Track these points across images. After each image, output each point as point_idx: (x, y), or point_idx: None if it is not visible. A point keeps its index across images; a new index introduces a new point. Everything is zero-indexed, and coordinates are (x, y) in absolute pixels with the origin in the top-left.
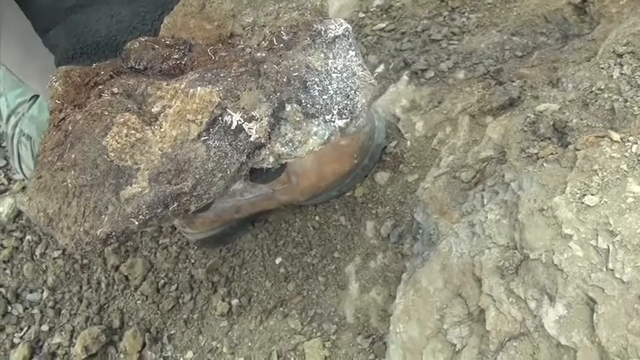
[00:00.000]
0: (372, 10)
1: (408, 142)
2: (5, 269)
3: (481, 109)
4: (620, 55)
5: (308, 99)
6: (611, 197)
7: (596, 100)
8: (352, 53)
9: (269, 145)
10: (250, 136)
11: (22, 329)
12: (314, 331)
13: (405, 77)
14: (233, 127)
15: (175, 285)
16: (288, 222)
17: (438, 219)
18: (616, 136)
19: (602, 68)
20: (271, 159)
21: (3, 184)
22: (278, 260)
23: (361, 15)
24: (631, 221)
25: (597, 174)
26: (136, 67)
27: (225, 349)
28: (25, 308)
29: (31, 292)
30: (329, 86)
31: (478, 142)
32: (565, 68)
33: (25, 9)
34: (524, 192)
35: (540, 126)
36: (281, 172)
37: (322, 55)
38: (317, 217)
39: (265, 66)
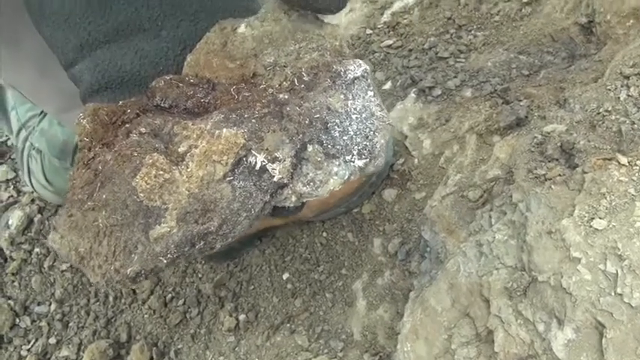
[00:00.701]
0: (379, 26)
1: (416, 160)
2: (14, 281)
3: (488, 128)
4: (627, 77)
5: (329, 140)
6: (619, 221)
7: (603, 122)
8: (371, 94)
9: (291, 185)
10: (274, 176)
11: (29, 342)
12: (321, 348)
13: (412, 95)
14: (257, 167)
15: (183, 299)
16: (296, 238)
17: (445, 237)
18: (624, 160)
19: (609, 90)
20: (293, 198)
21: (12, 196)
22: (285, 276)
23: (368, 31)
24: (639, 246)
25: (605, 197)
26: (162, 105)
27: None
28: (33, 321)
29: (39, 304)
30: (349, 127)
31: (485, 161)
32: (572, 89)
33: (51, 44)
34: (532, 213)
35: (548, 147)
36: (301, 208)
37: (342, 97)
38: (324, 234)
39: (288, 108)
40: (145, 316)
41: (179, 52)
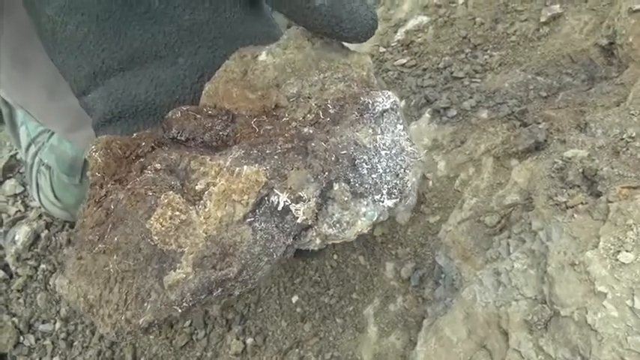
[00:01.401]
0: (392, 44)
1: (430, 182)
2: (19, 298)
3: (506, 151)
4: None
5: (356, 178)
6: None
7: (627, 149)
8: (400, 127)
9: (316, 227)
10: (297, 217)
11: None
12: None
13: (426, 115)
14: (280, 208)
15: (189, 321)
16: (306, 260)
17: (460, 264)
18: None
19: (633, 114)
20: (318, 241)
21: (20, 210)
22: (294, 299)
23: (382, 49)
24: None
25: (632, 229)
26: (178, 137)
27: None
28: (37, 339)
29: (43, 322)
30: (378, 164)
31: (503, 185)
32: (593, 112)
33: (63, 71)
34: (553, 243)
35: (569, 173)
36: (325, 250)
37: (370, 131)
38: (335, 256)
39: (313, 143)
40: (151, 337)
41: (196, 80)
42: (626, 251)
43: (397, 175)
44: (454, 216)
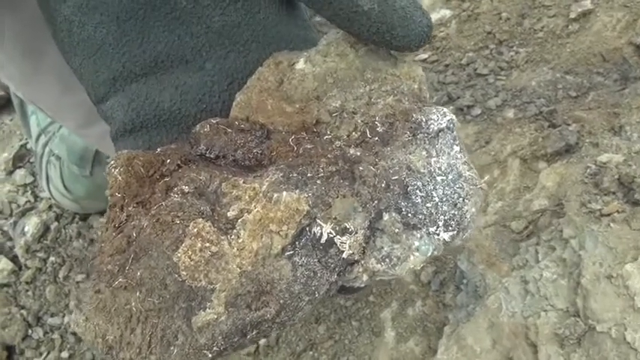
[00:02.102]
0: None
1: None
2: (27, 290)
3: (533, 153)
4: None
5: (409, 207)
6: None
7: None
8: (457, 149)
9: (363, 262)
10: (342, 251)
11: (41, 354)
12: None
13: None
14: (323, 240)
15: None
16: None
17: (485, 270)
18: None
19: None
20: (365, 277)
21: (29, 201)
22: None
23: None
24: None
25: None
26: (207, 154)
27: None
28: (46, 332)
29: (52, 315)
30: (433, 192)
31: (530, 189)
32: (628, 115)
33: (80, 76)
34: (587, 253)
35: (604, 179)
36: (368, 287)
37: (424, 153)
38: None
39: (361, 167)
40: None
41: (225, 88)
42: None
43: (455, 205)
44: (478, 219)
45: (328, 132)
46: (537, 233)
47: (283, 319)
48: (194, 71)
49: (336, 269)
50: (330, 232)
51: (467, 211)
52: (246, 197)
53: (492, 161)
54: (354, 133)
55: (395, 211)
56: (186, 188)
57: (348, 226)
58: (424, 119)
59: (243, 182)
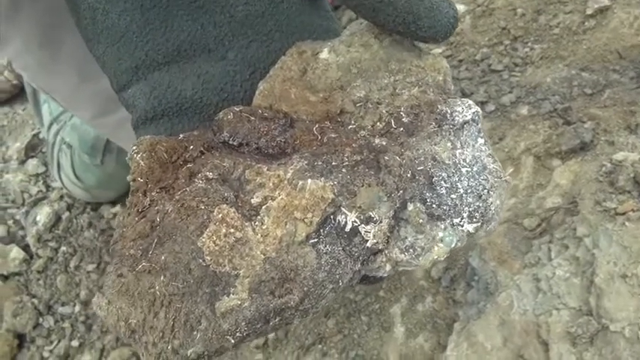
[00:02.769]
0: None
1: None
2: (39, 279)
3: (547, 150)
4: None
5: (434, 198)
6: None
7: None
8: (481, 141)
9: (387, 251)
10: (367, 240)
11: (52, 342)
12: None
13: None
14: (347, 229)
15: None
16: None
17: (496, 267)
18: None
19: None
20: (388, 267)
21: (41, 191)
22: None
23: None
24: None
25: None
26: (230, 142)
27: None
28: (56, 321)
29: (63, 304)
30: (458, 183)
31: (544, 186)
32: None
33: (103, 64)
34: (601, 252)
35: (619, 177)
36: (388, 276)
37: (449, 145)
38: None
39: (386, 157)
40: None
41: (247, 77)
42: None
43: (480, 197)
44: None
45: (352, 122)
46: (550, 231)
47: (306, 306)
48: (216, 60)
49: (360, 258)
50: (355, 221)
51: (491, 203)
52: (270, 184)
53: (506, 158)
54: (378, 123)
55: (420, 202)
56: (210, 174)
57: (372, 215)
58: (449, 111)
59: (267, 170)
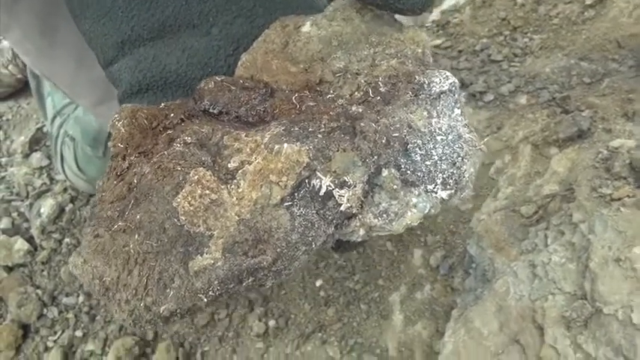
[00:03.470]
0: (427, 25)
1: None
2: (43, 270)
3: (545, 138)
4: None
5: (408, 164)
6: None
7: None
8: (458, 111)
9: (360, 216)
10: (341, 204)
11: (56, 333)
12: None
13: (461, 99)
14: (322, 192)
15: None
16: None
17: (493, 254)
18: None
19: None
20: (362, 232)
21: (45, 183)
22: (318, 283)
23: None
24: None
25: None
26: (210, 110)
27: None
28: (60, 312)
29: (67, 295)
30: (433, 150)
31: (541, 174)
32: None
33: (89, 39)
34: (596, 237)
35: (615, 164)
36: (365, 242)
37: (425, 113)
38: None
39: (362, 123)
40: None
41: (231, 52)
42: None
43: (454, 164)
44: (488, 204)
45: (331, 91)
46: (547, 218)
47: (279, 267)
48: (201, 36)
49: (334, 221)
50: (329, 185)
51: (465, 170)
52: (248, 149)
53: (504, 147)
54: (356, 92)
55: (394, 168)
56: (188, 139)
57: (347, 180)
58: (427, 81)
59: (245, 135)
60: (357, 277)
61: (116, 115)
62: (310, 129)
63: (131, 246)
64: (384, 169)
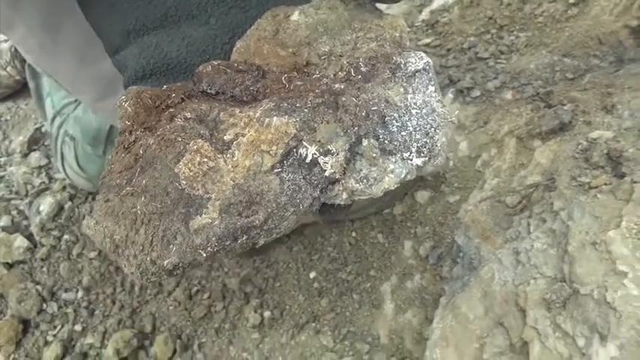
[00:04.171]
0: (417, 24)
1: (451, 162)
2: (42, 267)
3: (529, 132)
4: None
5: (386, 135)
6: None
7: None
8: (432, 88)
9: (343, 181)
10: (325, 170)
11: (55, 327)
12: (346, 349)
13: (449, 95)
14: (308, 160)
15: (208, 293)
16: (324, 236)
17: (480, 243)
18: None
19: None
20: (344, 195)
21: (44, 182)
22: (312, 274)
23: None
24: None
25: None
26: (208, 90)
27: None
28: (60, 307)
29: (66, 291)
30: (408, 122)
31: (525, 166)
32: (620, 94)
33: (97, 29)
34: (574, 222)
35: (593, 154)
36: (350, 207)
37: (402, 90)
38: (354, 234)
39: (344, 98)
40: (170, 307)
41: (227, 41)
42: None
43: (427, 134)
44: (474, 196)
45: (317, 72)
46: (530, 207)
47: (270, 226)
48: (199, 25)
49: (319, 186)
50: (315, 153)
51: (437, 139)
52: (242, 123)
53: (490, 140)
54: (340, 72)
55: (373, 138)
56: (188, 115)
57: (330, 148)
58: (403, 61)
59: (240, 111)
60: (349, 268)
61: (123, 97)
62: (297, 104)
63: (138, 207)
64: (364, 139)
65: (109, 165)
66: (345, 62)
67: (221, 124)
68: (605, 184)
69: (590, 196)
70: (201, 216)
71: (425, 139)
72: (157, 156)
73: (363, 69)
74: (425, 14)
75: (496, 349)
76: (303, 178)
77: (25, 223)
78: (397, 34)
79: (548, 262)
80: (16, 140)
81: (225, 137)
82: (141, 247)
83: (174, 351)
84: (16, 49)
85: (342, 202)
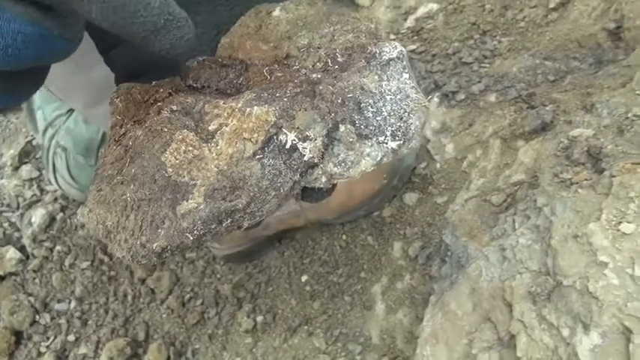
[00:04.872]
0: (402, 31)
1: (438, 164)
2: (35, 278)
3: (513, 132)
4: None
5: (362, 120)
6: None
7: (631, 127)
8: (406, 76)
9: (322, 165)
10: (304, 155)
11: (48, 338)
12: (339, 351)
13: (435, 99)
14: (287, 146)
15: (201, 300)
16: (315, 240)
17: (467, 242)
18: None
19: (638, 94)
20: (324, 179)
21: (36, 194)
22: (304, 278)
23: (392, 37)
24: None
25: (634, 201)
26: (194, 85)
27: None
28: (53, 318)
29: (59, 301)
30: (383, 108)
31: (509, 165)
32: (599, 94)
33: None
34: (557, 217)
35: (574, 151)
36: (331, 192)
37: (376, 77)
38: (344, 237)
39: (321, 87)
40: (163, 315)
41: (213, 38)
42: (628, 222)
43: (401, 119)
44: (461, 196)
45: (296, 63)
46: (515, 205)
47: (253, 209)
48: None
49: (299, 170)
50: (294, 139)
51: (411, 123)
52: (225, 114)
53: (475, 142)
54: (317, 63)
55: (349, 123)
56: (174, 107)
57: (309, 134)
58: (378, 51)
59: (223, 103)
60: (340, 271)
61: (114, 93)
62: (277, 94)
63: (128, 195)
64: (340, 125)
65: (102, 158)
66: (322, 53)
67: (206, 115)
68: (586, 179)
69: (571, 192)
70: (187, 201)
71: (399, 124)
72: (145, 146)
73: (339, 59)
74: (410, 21)
75: (485, 344)
76: (284, 163)
77: (17, 235)
78: (372, 26)
79: (533, 257)
80: (7, 153)
81: (209, 127)
82: (131, 232)
83: (168, 358)
84: None
85: (322, 186)
